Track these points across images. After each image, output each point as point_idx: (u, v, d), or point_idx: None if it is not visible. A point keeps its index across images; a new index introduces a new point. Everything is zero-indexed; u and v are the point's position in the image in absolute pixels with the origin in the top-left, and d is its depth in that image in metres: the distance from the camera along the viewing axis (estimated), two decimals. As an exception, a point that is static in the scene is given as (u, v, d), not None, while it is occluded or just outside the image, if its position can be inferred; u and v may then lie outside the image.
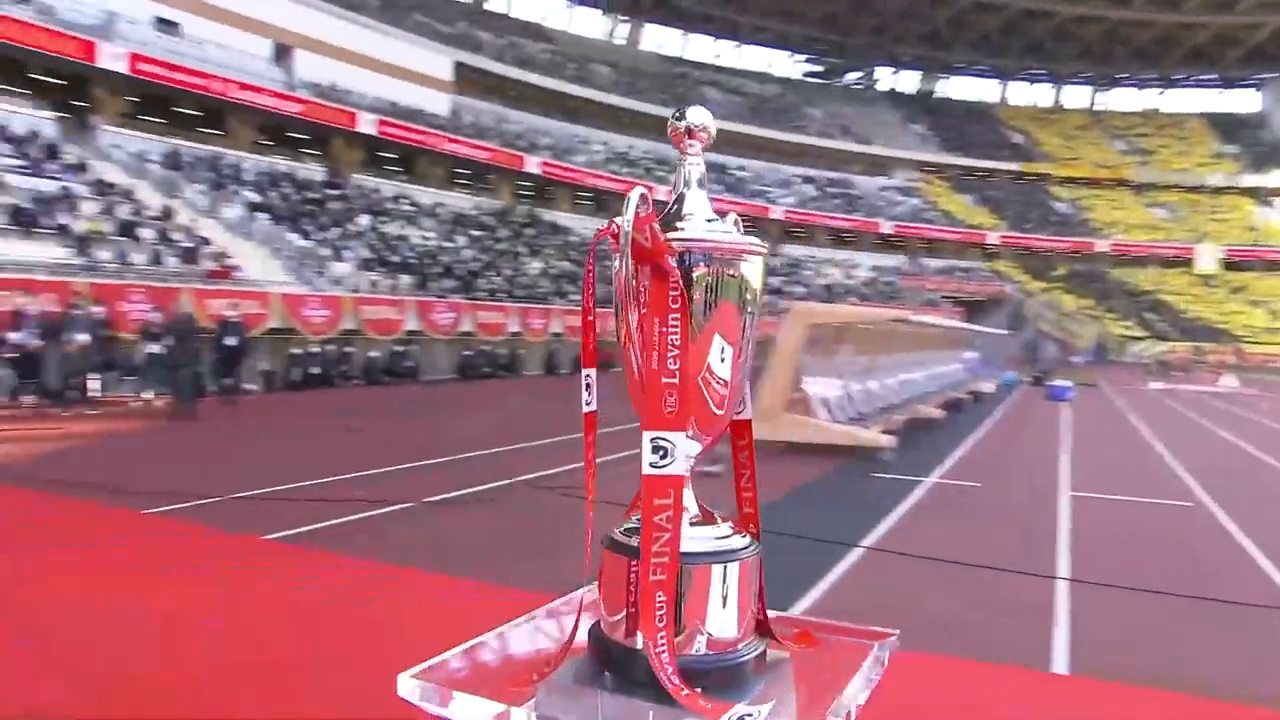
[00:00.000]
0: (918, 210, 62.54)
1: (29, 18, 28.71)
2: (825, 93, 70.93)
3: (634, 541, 1.44)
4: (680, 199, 1.54)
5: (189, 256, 23.84)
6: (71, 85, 31.18)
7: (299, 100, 35.95)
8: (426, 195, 40.21)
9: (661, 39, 67.68)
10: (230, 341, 16.66)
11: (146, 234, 23.98)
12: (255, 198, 30.92)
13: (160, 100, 33.04)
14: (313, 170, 36.54)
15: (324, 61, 37.84)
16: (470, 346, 27.64)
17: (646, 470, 1.37)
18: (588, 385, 1.49)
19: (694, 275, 1.42)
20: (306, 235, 29.70)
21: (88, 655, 3.86)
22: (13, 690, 3.43)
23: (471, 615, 4.80)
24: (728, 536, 1.55)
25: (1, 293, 14.81)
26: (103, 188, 25.77)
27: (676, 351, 1.33)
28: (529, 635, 1.61)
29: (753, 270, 1.48)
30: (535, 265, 38.77)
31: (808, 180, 61.92)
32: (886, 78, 75.51)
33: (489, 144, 44.06)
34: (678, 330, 1.34)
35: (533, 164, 45.74)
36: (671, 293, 1.35)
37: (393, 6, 46.38)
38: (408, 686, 1.44)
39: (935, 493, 9.27)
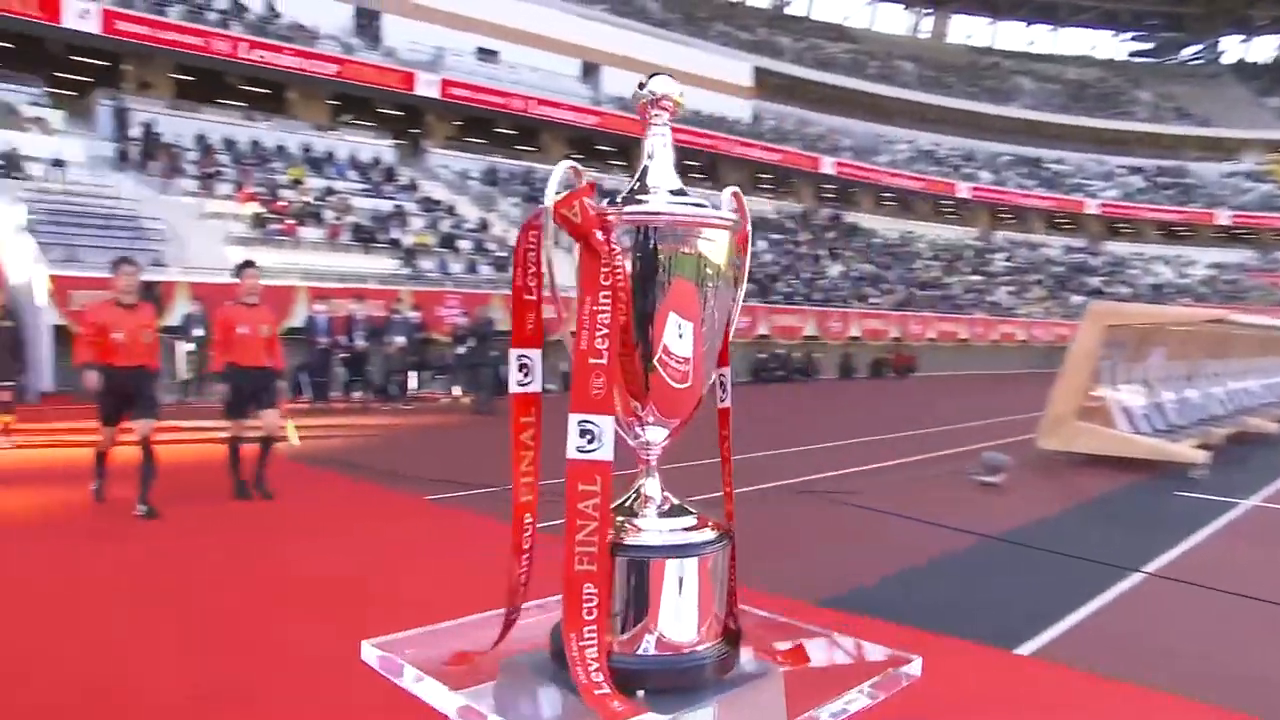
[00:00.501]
0: (1269, 197, 55.18)
1: (375, 60, 32.14)
2: (1156, 72, 64.50)
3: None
4: (644, 172, 1.44)
5: (502, 264, 25.60)
6: (408, 115, 34.52)
7: (595, 112, 37.60)
8: (726, 201, 40.77)
9: (969, 29, 64.58)
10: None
11: (464, 245, 26.05)
12: (563, 209, 32.67)
13: (481, 122, 35.82)
14: (620, 181, 38.14)
15: (629, 75, 39.38)
16: (764, 350, 27.68)
17: (572, 455, 1.27)
18: (522, 366, 1.39)
19: (648, 251, 1.33)
20: (609, 242, 30.92)
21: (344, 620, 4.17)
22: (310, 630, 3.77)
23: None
24: (690, 530, 1.40)
25: (336, 301, 16.54)
26: (429, 204, 28.29)
27: (606, 331, 1.25)
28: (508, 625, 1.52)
29: (714, 245, 1.37)
30: (835, 268, 38.22)
31: (1134, 170, 56.48)
32: (1234, 48, 67.51)
33: (783, 146, 43.93)
34: (608, 310, 1.26)
35: (828, 165, 45.08)
36: (603, 270, 1.26)
37: (694, 19, 47.51)
38: (369, 653, 1.40)
39: (1255, 517, 8.05)
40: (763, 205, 42.34)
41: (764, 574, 5.20)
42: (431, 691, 1.33)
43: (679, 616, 1.34)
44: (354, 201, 26.08)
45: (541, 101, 35.61)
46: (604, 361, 1.23)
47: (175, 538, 6.09)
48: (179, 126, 26.86)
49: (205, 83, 30.27)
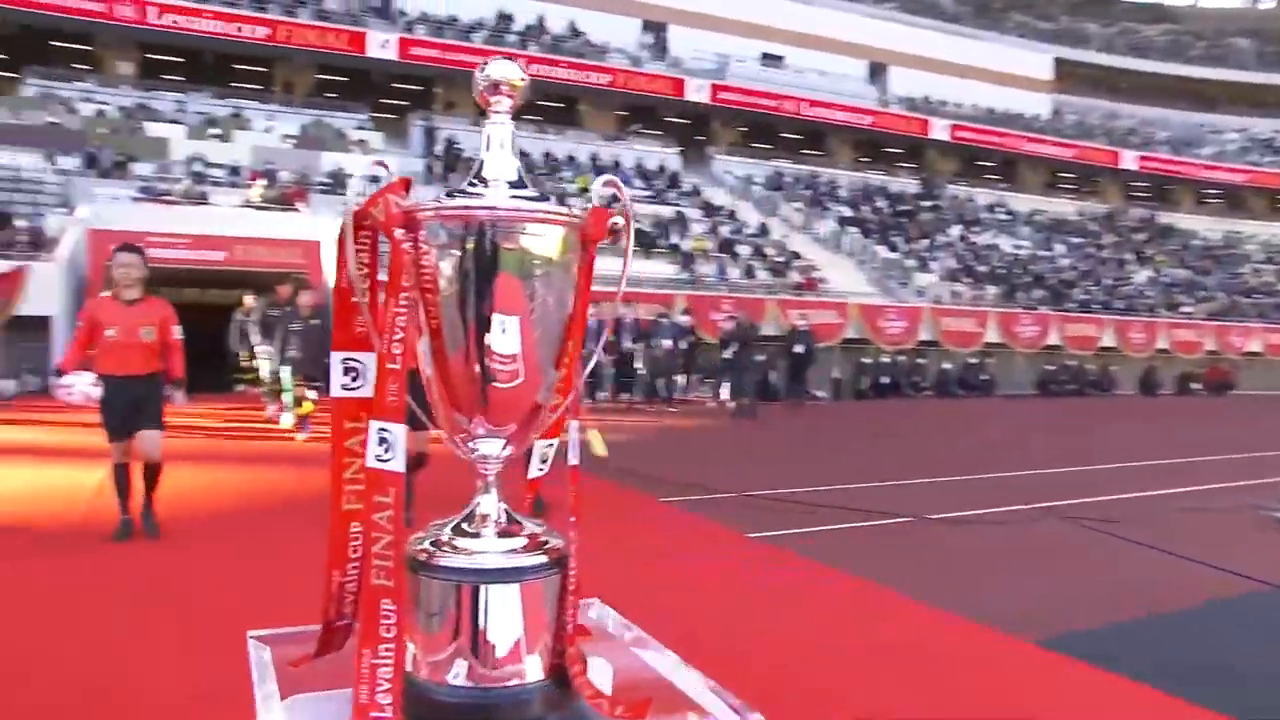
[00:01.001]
0: None
1: (660, 70, 33.18)
2: None
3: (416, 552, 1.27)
4: (480, 165, 1.35)
5: (779, 269, 25.60)
6: (694, 123, 35.31)
7: (877, 113, 36.61)
8: (1023, 202, 38.54)
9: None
10: (798, 349, 17.61)
11: (743, 250, 26.27)
12: (847, 212, 32.22)
13: (764, 128, 35.99)
14: (907, 184, 37.03)
15: (918, 75, 38.23)
16: (1054, 361, 25.88)
17: (371, 463, 1.21)
18: (350, 369, 1.33)
19: (469, 249, 1.24)
20: (894, 248, 30.16)
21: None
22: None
23: (877, 622, 4.55)
24: (517, 552, 1.29)
25: (607, 304, 17.19)
26: (710, 210, 28.78)
27: (402, 335, 1.19)
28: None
29: (543, 241, 1.28)
30: (1142, 273, 35.06)
31: None
32: None
33: (1079, 141, 40.71)
34: (405, 313, 1.19)
35: (1129, 160, 41.25)
36: (404, 270, 1.20)
37: (988, 11, 45.19)
38: (252, 641, 1.41)
39: None
40: (1063, 206, 39.61)
41: (980, 603, 4.90)
42: (264, 688, 1.29)
43: (494, 646, 1.24)
44: (636, 208, 26.96)
45: (820, 103, 35.23)
46: (398, 367, 1.19)
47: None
48: (479, 141, 28.95)
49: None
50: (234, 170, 23.47)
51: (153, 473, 6.03)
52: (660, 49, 34.88)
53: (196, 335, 19.06)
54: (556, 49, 32.12)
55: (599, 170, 29.90)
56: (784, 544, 6.37)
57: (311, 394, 10.99)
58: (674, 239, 25.86)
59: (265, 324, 12.76)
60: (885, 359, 22.96)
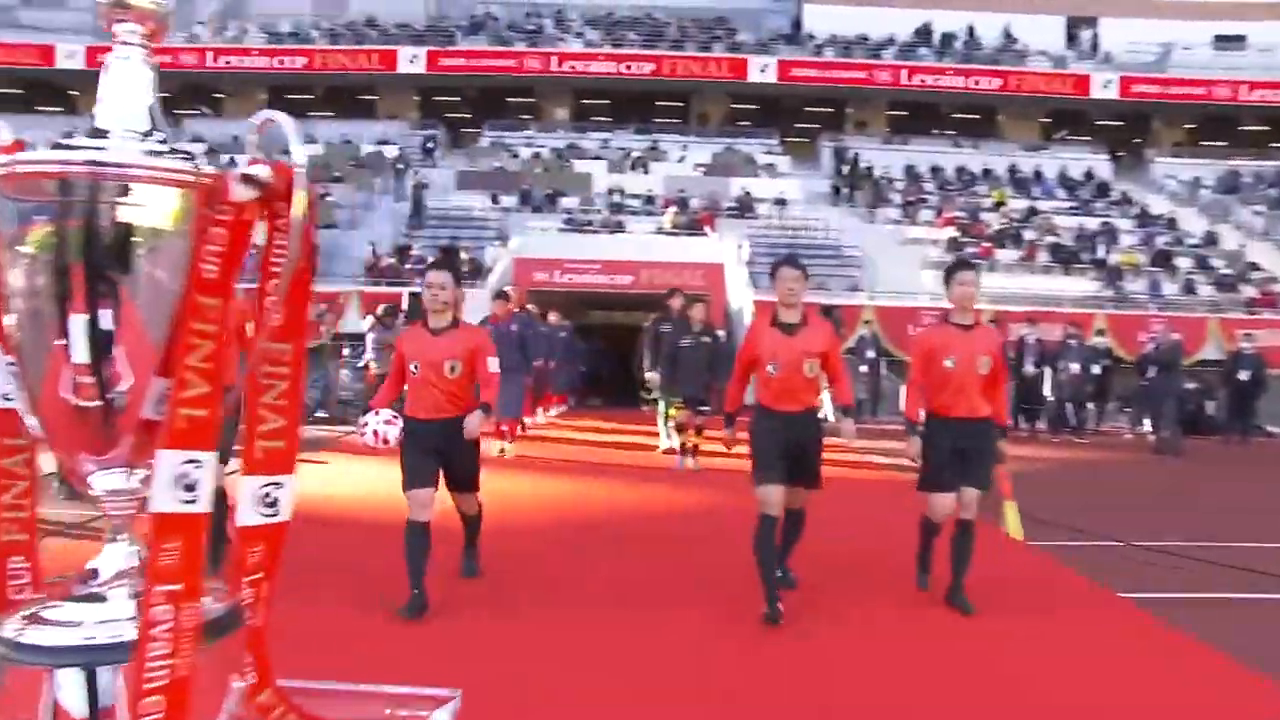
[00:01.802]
0: None
1: (1086, 69, 30.47)
2: None
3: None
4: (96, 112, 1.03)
5: (1229, 284, 22.33)
6: (1128, 124, 32.03)
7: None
8: None
9: None
10: (1242, 376, 15.19)
11: (1183, 262, 23.25)
12: (1325, 214, 27.39)
13: (1219, 122, 31.70)
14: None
15: None
16: None
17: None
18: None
19: (59, 219, 0.93)
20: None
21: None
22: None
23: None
24: (110, 624, 0.99)
25: (1013, 324, 15.96)
26: (1144, 219, 25.83)
27: None
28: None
29: (147, 210, 0.94)
30: None
31: None
32: None
33: None
34: None
35: None
36: None
37: None
38: None
39: None
40: None
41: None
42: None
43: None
44: (1058, 220, 24.97)
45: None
46: None
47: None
48: (890, 159, 28.42)
49: (918, 116, 31.62)
50: (648, 199, 25.04)
51: (472, 520, 5.32)
52: (1091, 46, 32.05)
53: (605, 354, 20.46)
54: (971, 59, 30.67)
55: (1017, 182, 28.04)
56: (1161, 610, 5.41)
57: (698, 419, 9.95)
58: (1099, 252, 23.50)
59: (655, 340, 12.44)
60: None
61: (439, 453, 4.84)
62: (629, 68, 29.91)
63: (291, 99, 32.01)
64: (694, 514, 8.03)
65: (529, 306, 13.43)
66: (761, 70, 29.81)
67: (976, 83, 30.11)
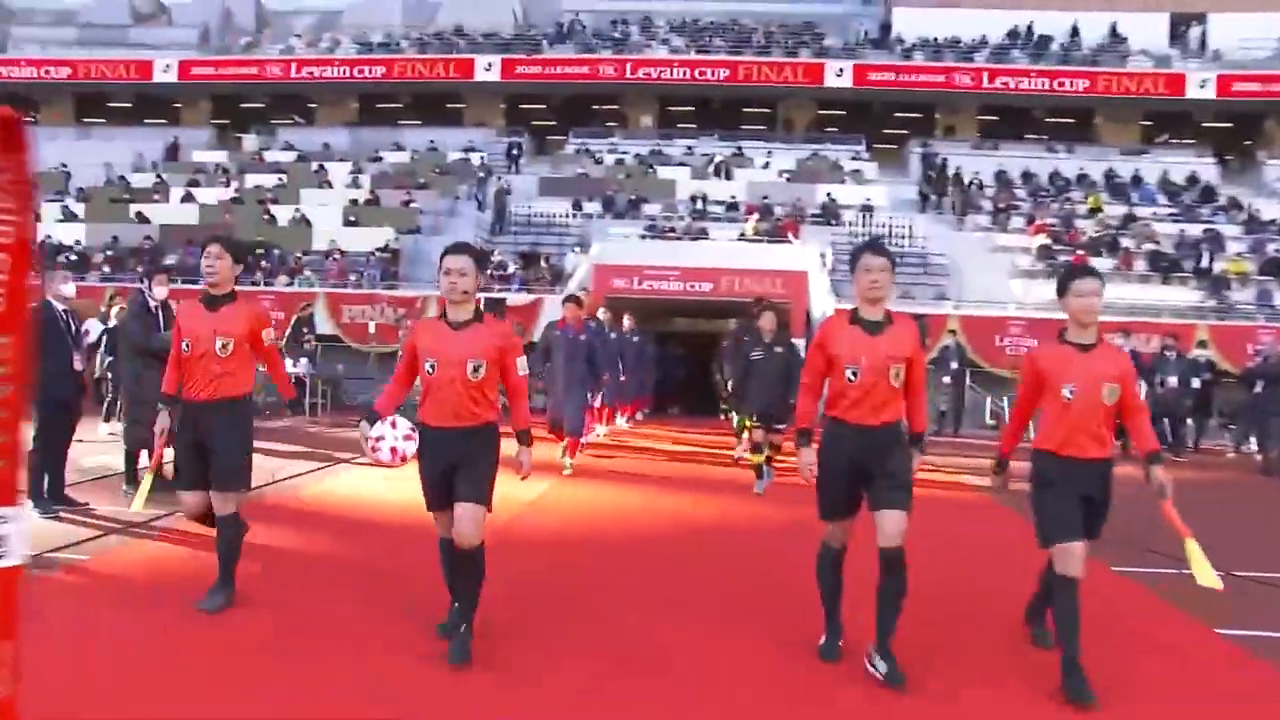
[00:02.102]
0: None
1: (1187, 69, 29.11)
2: None
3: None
4: None
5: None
6: (1238, 125, 30.61)
7: None
8: None
9: None
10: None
11: (1295, 271, 22.04)
12: None
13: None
14: None
15: None
16: None
17: None
18: None
19: None
20: None
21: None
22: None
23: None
24: None
25: (1106, 335, 15.30)
26: (1253, 225, 24.56)
27: None
28: None
29: None
30: None
31: None
32: None
33: None
34: None
35: None
36: None
37: None
38: None
39: None
40: None
41: None
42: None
43: None
44: (1158, 227, 23.90)
45: None
46: None
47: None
48: (981, 165, 27.59)
49: (1009, 120, 30.72)
50: (731, 206, 24.76)
51: (467, 562, 4.16)
52: (1200, 44, 30.69)
53: (685, 360, 20.25)
54: (1067, 59, 29.64)
55: (1115, 188, 26.95)
56: (1269, 651, 5.00)
57: (773, 436, 9.29)
58: (1202, 261, 22.41)
59: (735, 350, 12.02)
60: None
61: (453, 467, 4.13)
62: (704, 74, 29.66)
63: (381, 107, 32.71)
64: (766, 529, 7.78)
65: (600, 313, 13.25)
66: (838, 75, 29.23)
67: (1064, 85, 29.04)
